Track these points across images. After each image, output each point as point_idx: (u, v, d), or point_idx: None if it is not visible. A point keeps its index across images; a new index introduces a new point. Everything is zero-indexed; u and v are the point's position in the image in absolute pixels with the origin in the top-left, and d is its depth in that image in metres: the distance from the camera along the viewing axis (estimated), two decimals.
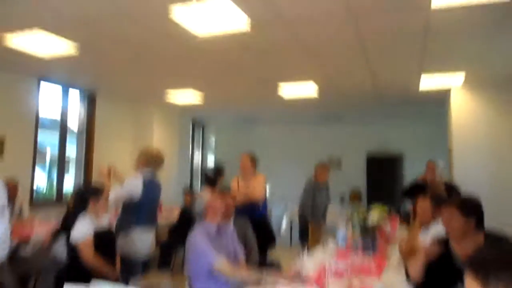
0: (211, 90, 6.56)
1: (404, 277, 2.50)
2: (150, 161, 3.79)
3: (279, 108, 8.11)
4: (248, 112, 8.82)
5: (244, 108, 8.32)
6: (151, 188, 3.76)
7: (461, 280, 2.12)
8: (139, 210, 3.62)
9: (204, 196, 2.71)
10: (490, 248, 1.12)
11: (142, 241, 3.65)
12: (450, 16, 3.25)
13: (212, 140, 10.83)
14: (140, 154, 3.84)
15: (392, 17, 3.34)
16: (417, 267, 2.32)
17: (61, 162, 6.36)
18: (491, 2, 2.95)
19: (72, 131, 6.89)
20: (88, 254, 2.92)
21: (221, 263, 2.54)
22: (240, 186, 4.55)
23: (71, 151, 6.87)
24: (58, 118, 6.37)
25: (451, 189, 4.57)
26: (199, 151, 10.46)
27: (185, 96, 6.86)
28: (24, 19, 3.48)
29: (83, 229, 2.97)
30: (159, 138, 7.76)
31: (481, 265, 1.08)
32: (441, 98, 6.34)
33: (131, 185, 3.62)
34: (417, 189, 4.68)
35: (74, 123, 6.76)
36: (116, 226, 3.67)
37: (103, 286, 0.99)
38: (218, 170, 4.88)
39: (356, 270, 2.42)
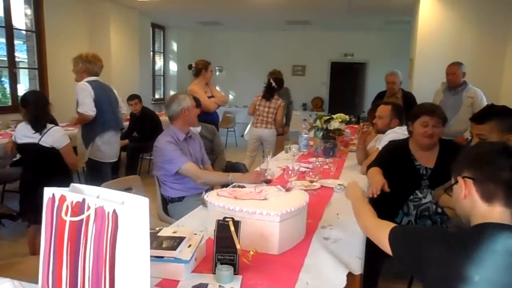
0: None
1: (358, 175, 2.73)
2: (90, 66, 3.63)
3: (244, 12, 7.76)
4: (211, 15, 8.38)
5: (206, 11, 7.88)
6: (104, 92, 3.70)
7: (421, 185, 2.34)
8: (102, 116, 3.60)
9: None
10: (468, 149, 1.31)
11: (109, 145, 3.72)
12: None
13: (173, 45, 10.37)
14: (76, 63, 3.65)
15: None
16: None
17: (11, 66, 5.97)
18: None
19: (20, 33, 6.37)
20: (73, 154, 3.22)
21: (188, 167, 2.61)
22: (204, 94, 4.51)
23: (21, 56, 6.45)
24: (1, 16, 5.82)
25: (409, 98, 4.75)
26: (160, 56, 10.06)
27: None
28: None
29: (62, 134, 3.12)
30: (117, 41, 7.33)
31: (458, 164, 1.26)
32: (410, 6, 6.26)
33: (85, 96, 3.53)
34: (376, 99, 4.85)
35: (20, 24, 6.22)
36: (82, 134, 3.72)
37: (82, 188, 1.01)
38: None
39: (317, 172, 2.57)
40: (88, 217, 0.95)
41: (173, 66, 10.42)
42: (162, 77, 10.17)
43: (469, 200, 1.20)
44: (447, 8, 5.63)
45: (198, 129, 3.53)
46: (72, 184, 1.07)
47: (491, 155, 1.17)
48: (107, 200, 0.94)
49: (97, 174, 3.58)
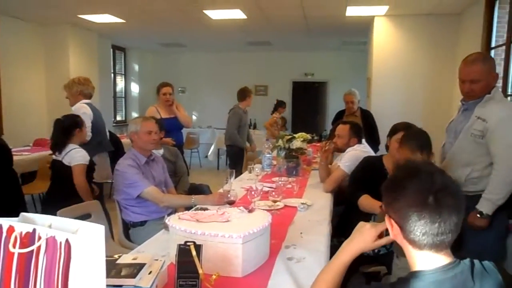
0: (131, 16, 6.11)
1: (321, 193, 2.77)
2: (84, 88, 3.80)
3: (206, 33, 7.83)
4: (172, 37, 8.38)
5: (167, 32, 7.88)
6: (99, 114, 3.89)
7: None
8: (98, 137, 3.77)
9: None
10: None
11: (105, 165, 3.85)
12: None
13: (135, 67, 10.26)
14: (70, 87, 3.79)
15: None
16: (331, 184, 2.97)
17: None
18: None
19: None
20: (81, 178, 3.09)
21: (150, 191, 2.56)
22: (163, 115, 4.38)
23: None
24: None
25: (367, 116, 4.90)
26: (121, 78, 9.90)
27: (103, 18, 6.32)
28: None
29: (81, 155, 3.09)
30: (76, 64, 7.16)
31: (385, 196, 1.11)
32: (365, 27, 6.53)
33: (85, 120, 3.53)
34: (335, 118, 4.97)
35: None
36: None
37: (33, 217, 0.97)
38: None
39: (280, 192, 2.58)
40: (38, 248, 0.90)
41: (134, 88, 10.29)
42: (123, 99, 10.00)
43: (399, 240, 1.07)
44: (399, 30, 5.92)
45: (161, 151, 3.48)
46: (22, 214, 1.02)
47: (411, 210, 1.00)
48: (60, 229, 0.90)
49: None
